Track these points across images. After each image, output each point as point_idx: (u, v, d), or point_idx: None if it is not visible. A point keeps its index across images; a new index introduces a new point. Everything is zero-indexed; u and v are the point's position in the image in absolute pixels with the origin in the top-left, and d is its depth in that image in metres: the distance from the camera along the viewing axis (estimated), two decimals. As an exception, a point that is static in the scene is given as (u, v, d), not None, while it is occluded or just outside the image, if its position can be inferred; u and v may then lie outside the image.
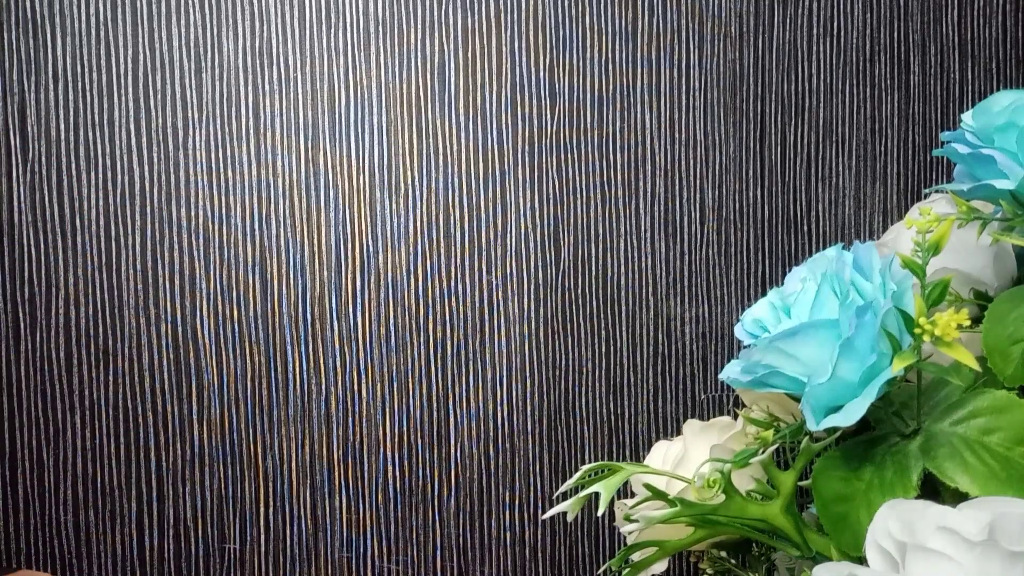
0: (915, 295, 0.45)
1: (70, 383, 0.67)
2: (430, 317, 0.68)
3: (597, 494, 0.48)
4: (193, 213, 0.67)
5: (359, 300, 0.68)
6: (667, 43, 0.69)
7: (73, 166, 0.67)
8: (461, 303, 0.68)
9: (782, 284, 0.50)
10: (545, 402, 0.69)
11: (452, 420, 0.69)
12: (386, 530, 0.69)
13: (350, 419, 0.68)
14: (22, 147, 0.66)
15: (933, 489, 0.44)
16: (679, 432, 0.64)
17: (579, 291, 0.69)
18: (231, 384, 0.68)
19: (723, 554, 0.57)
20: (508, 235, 0.69)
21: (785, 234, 0.70)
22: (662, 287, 0.70)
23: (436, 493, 0.69)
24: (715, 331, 0.70)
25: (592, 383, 0.70)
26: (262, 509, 0.68)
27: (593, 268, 0.69)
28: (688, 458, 0.55)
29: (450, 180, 0.68)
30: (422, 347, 0.68)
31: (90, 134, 0.66)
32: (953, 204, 0.51)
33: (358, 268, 0.68)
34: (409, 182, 0.68)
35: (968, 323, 0.43)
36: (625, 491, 0.65)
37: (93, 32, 0.66)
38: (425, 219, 0.68)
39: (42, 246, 0.67)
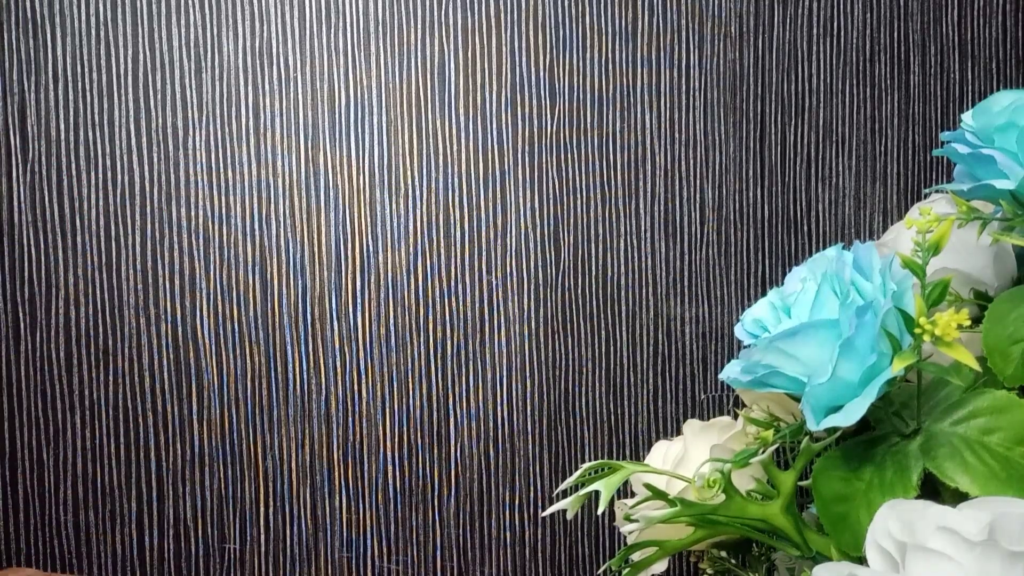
0: (915, 295, 0.45)
1: (70, 383, 0.67)
2: (430, 317, 0.68)
3: (597, 493, 0.48)
4: (193, 213, 0.67)
5: (359, 300, 0.68)
6: (667, 43, 0.69)
7: (73, 166, 0.67)
8: (461, 303, 0.68)
9: (782, 284, 0.50)
10: (545, 402, 0.69)
11: (452, 420, 0.69)
12: (386, 530, 0.69)
13: (350, 419, 0.68)
14: (22, 147, 0.66)
15: (933, 489, 0.44)
16: (679, 432, 0.64)
17: (579, 291, 0.69)
18: (231, 384, 0.68)
19: (723, 554, 0.57)
20: (508, 235, 0.69)
21: (785, 234, 0.70)
22: (662, 287, 0.70)
23: (436, 493, 0.69)
24: (715, 331, 0.70)
25: (592, 383, 0.70)
26: (262, 509, 0.68)
27: (593, 268, 0.69)
28: (688, 458, 0.55)
29: (450, 180, 0.68)
30: (422, 347, 0.68)
31: (90, 134, 0.66)
32: (953, 204, 0.51)
33: (358, 268, 0.68)
34: (409, 182, 0.68)
35: (968, 323, 0.43)
36: (625, 491, 0.65)
37: (93, 32, 0.66)
38: (425, 219, 0.68)
39: (42, 246, 0.67)
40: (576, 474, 0.49)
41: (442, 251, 0.68)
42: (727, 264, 0.70)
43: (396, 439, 0.68)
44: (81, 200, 0.67)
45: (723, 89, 0.69)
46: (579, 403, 0.69)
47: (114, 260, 0.67)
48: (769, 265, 0.70)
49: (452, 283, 0.68)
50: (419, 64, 0.68)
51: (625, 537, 0.57)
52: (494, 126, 0.68)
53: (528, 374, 0.69)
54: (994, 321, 0.47)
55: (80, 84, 0.66)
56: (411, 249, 0.68)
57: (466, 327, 0.69)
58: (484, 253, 0.68)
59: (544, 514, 0.65)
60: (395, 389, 0.68)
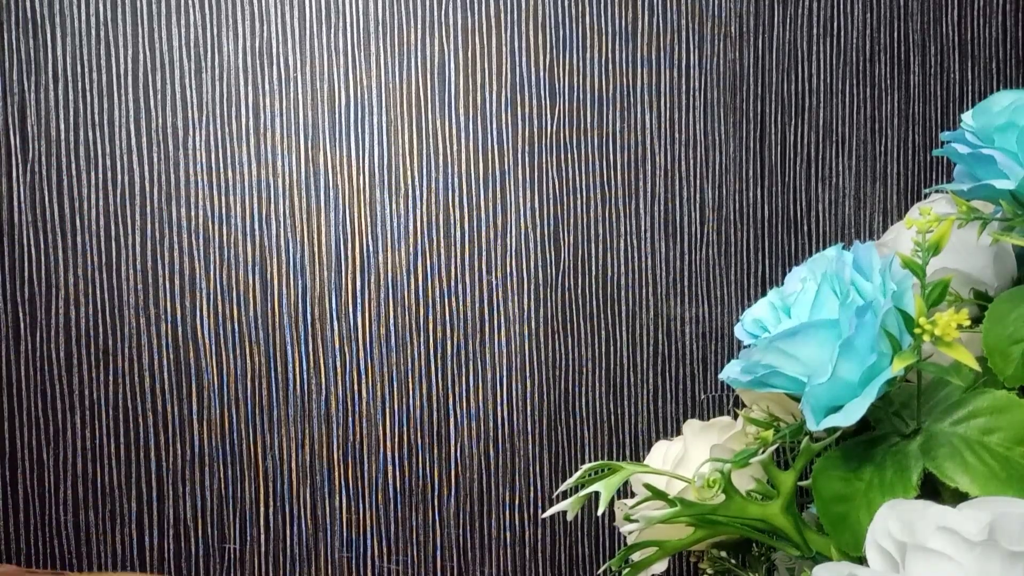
0: (915, 295, 0.45)
1: (70, 383, 0.67)
2: (430, 317, 0.68)
3: (597, 493, 0.48)
4: (193, 213, 0.67)
5: (359, 300, 0.68)
6: (667, 43, 0.69)
7: (73, 166, 0.67)
8: (461, 303, 0.68)
9: (782, 284, 0.50)
10: (545, 402, 0.69)
11: (452, 420, 0.69)
12: (386, 530, 0.69)
13: (350, 419, 0.68)
14: (22, 147, 0.66)
15: (933, 489, 0.44)
16: (679, 432, 0.64)
17: (579, 291, 0.69)
18: (231, 384, 0.68)
19: (723, 554, 0.57)
20: (508, 235, 0.69)
21: (785, 234, 0.70)
22: (662, 287, 0.70)
23: (436, 493, 0.69)
24: (715, 331, 0.70)
25: (592, 383, 0.70)
26: (262, 509, 0.68)
27: (593, 268, 0.69)
28: (688, 458, 0.55)
29: (450, 180, 0.68)
30: (422, 347, 0.68)
31: (90, 134, 0.66)
32: (953, 204, 0.51)
33: (358, 268, 0.68)
34: (409, 182, 0.68)
35: (968, 323, 0.43)
36: (625, 491, 0.65)
37: (93, 32, 0.66)
38: (425, 219, 0.68)
39: (42, 246, 0.67)
40: (576, 475, 0.49)
41: (442, 251, 0.68)
42: (727, 264, 0.70)
43: (396, 439, 0.68)
44: (81, 200, 0.67)
45: (723, 89, 0.69)
46: (579, 403, 0.69)
47: (114, 260, 0.67)
48: (769, 265, 0.70)
49: (452, 283, 0.68)
50: (419, 64, 0.68)
51: (625, 537, 0.57)
52: (494, 126, 0.68)
53: (528, 374, 0.69)
54: (994, 321, 0.47)
55: (80, 84, 0.66)
56: (411, 249, 0.68)
57: (466, 327, 0.69)
58: (484, 253, 0.68)
59: (544, 515, 0.65)
60: (395, 389, 0.68)
